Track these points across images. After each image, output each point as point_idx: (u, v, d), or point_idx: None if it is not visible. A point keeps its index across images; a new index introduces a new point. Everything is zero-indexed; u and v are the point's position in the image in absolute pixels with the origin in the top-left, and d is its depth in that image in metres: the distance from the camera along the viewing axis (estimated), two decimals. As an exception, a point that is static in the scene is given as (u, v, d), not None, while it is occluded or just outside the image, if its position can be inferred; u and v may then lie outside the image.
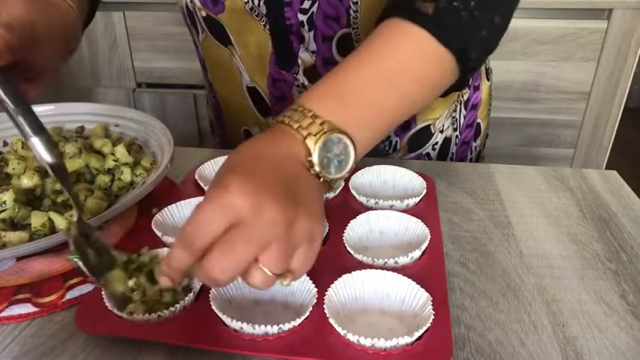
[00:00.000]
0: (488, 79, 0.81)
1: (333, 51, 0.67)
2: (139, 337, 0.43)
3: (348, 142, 0.42)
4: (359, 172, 0.64)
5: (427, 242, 0.51)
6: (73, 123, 0.72)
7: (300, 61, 0.69)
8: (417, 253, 0.50)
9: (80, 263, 0.42)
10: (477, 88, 0.78)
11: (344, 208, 0.59)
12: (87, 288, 0.49)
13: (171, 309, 0.44)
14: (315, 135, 0.40)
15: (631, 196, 0.66)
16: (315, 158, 0.40)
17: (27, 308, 0.47)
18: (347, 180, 0.62)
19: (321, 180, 0.41)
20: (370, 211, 0.56)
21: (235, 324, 0.42)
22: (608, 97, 1.62)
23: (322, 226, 0.40)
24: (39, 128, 0.43)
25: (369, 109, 0.44)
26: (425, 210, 0.59)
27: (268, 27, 0.66)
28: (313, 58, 0.68)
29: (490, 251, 0.55)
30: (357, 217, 0.55)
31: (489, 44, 0.51)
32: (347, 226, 0.53)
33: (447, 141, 0.78)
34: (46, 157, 0.43)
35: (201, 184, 0.62)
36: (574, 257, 0.55)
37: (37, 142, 0.43)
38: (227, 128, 0.84)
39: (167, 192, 0.63)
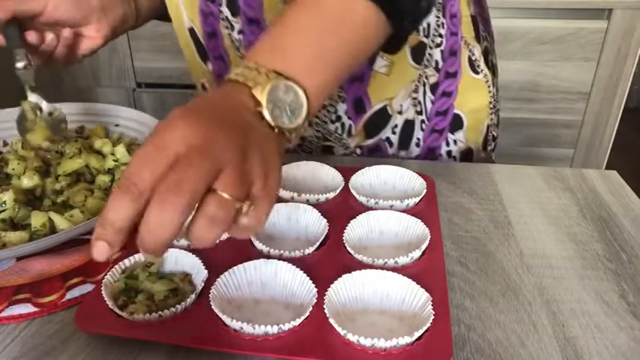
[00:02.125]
0: (475, 72, 0.77)
1: None
2: (139, 337, 0.43)
3: (298, 88, 0.41)
4: (359, 172, 0.64)
5: (427, 242, 0.51)
6: (73, 123, 0.72)
7: None
8: (417, 253, 0.50)
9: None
10: (450, 75, 0.75)
11: (344, 208, 0.59)
12: (87, 288, 0.49)
13: (172, 309, 0.44)
14: (261, 85, 0.40)
15: (631, 196, 0.66)
16: (264, 108, 0.39)
17: (27, 308, 0.47)
18: (347, 180, 0.62)
19: (277, 131, 0.40)
20: (370, 211, 0.56)
21: (235, 324, 0.42)
22: (608, 97, 1.62)
23: (278, 176, 0.39)
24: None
25: (313, 56, 0.44)
26: (425, 210, 0.59)
27: None
28: None
29: (490, 251, 0.55)
30: (357, 217, 0.55)
31: (419, 8, 0.51)
32: (347, 226, 0.54)
33: (409, 124, 0.76)
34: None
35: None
36: (574, 257, 0.55)
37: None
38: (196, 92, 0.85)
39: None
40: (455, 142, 0.80)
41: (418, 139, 0.78)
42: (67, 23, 0.63)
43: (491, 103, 0.80)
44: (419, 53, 0.71)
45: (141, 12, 0.72)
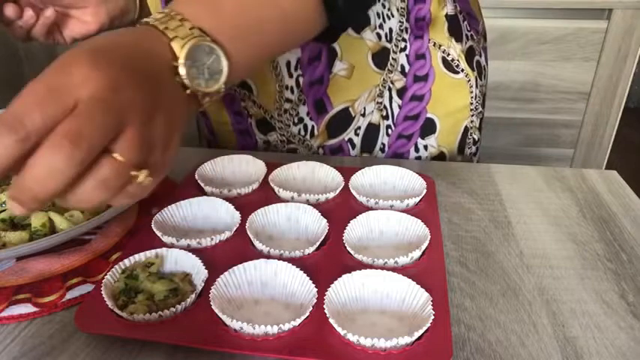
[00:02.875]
0: (454, 72, 0.74)
1: None
2: (139, 337, 0.43)
3: (221, 53, 0.38)
4: (359, 172, 0.64)
5: (427, 242, 0.51)
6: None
7: None
8: (417, 253, 0.50)
9: None
10: (420, 79, 0.73)
11: (344, 208, 0.59)
12: (87, 288, 0.49)
13: (172, 309, 0.44)
14: (182, 39, 0.36)
15: (631, 196, 0.66)
16: (181, 65, 0.36)
17: (27, 308, 0.47)
18: (347, 180, 0.62)
19: (188, 92, 0.37)
20: (370, 211, 0.56)
21: (235, 324, 0.42)
22: (608, 97, 1.62)
23: (178, 145, 0.37)
24: None
25: (246, 22, 0.41)
26: (425, 210, 0.59)
27: None
28: None
29: (490, 251, 0.55)
30: (357, 217, 0.55)
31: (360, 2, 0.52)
32: (347, 226, 0.54)
33: (373, 127, 0.75)
34: None
35: (201, 184, 0.62)
36: (574, 257, 0.55)
37: None
38: None
39: (167, 192, 0.63)
40: (425, 147, 0.78)
41: (383, 144, 0.77)
42: (60, 1, 0.61)
43: (472, 104, 0.78)
44: (381, 58, 0.71)
45: (145, 8, 0.70)
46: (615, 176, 0.70)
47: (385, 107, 0.74)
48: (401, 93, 0.74)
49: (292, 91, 0.71)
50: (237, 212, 0.56)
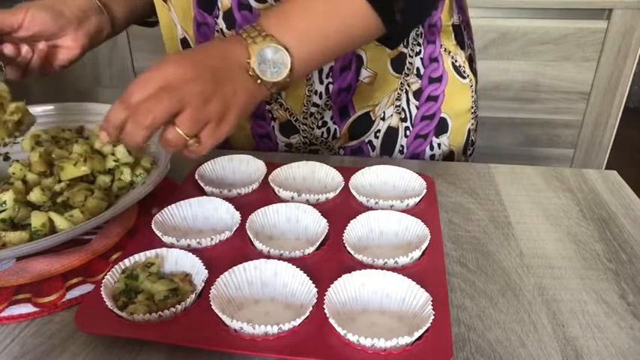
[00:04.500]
0: (462, 76, 0.79)
1: None
2: (139, 337, 0.43)
3: (285, 53, 0.51)
4: (359, 172, 0.64)
5: (427, 242, 0.51)
6: (73, 123, 0.72)
7: (219, 4, 0.69)
8: (417, 253, 0.50)
9: None
10: (435, 80, 0.76)
11: (344, 208, 0.59)
12: (87, 288, 0.49)
13: (172, 309, 0.44)
14: (257, 43, 0.50)
15: (631, 196, 0.66)
16: (252, 60, 0.50)
17: (27, 308, 0.47)
18: (347, 180, 0.62)
19: (259, 82, 0.51)
20: (370, 211, 0.56)
21: (235, 324, 0.42)
22: (608, 97, 1.62)
23: (236, 117, 0.50)
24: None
25: (311, 30, 0.54)
26: (425, 210, 0.59)
27: None
28: (230, 1, 0.68)
29: (490, 251, 0.55)
30: (357, 217, 0.55)
31: (416, 15, 0.60)
32: (347, 226, 0.54)
33: (392, 131, 0.78)
34: None
35: (201, 184, 0.62)
36: (574, 257, 0.55)
37: None
38: None
39: (167, 192, 0.63)
40: (439, 145, 0.81)
41: (402, 146, 0.79)
42: (43, 36, 0.65)
43: (472, 107, 0.82)
44: (399, 63, 0.74)
45: (116, 20, 0.73)
46: (615, 176, 0.70)
47: (403, 110, 0.77)
48: (417, 95, 0.77)
49: (320, 97, 0.74)
50: (237, 212, 0.56)
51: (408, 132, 0.78)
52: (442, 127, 0.80)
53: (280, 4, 0.54)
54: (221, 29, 0.70)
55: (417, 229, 0.54)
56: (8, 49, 0.63)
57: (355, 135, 0.78)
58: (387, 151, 0.79)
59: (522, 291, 0.50)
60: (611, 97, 1.61)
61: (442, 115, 0.79)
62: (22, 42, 0.65)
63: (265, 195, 0.61)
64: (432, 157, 0.81)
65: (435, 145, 0.80)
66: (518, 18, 1.57)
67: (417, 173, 0.64)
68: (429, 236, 0.52)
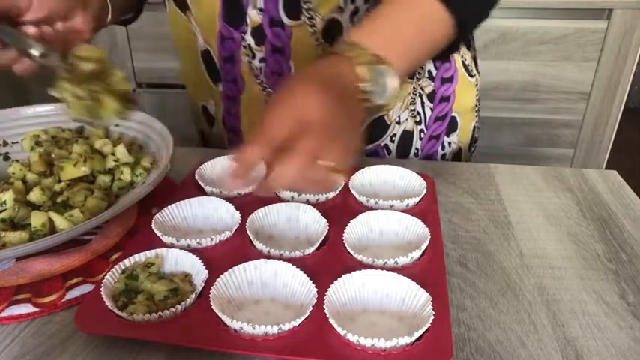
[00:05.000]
0: (470, 75, 0.80)
1: (279, 10, 0.67)
2: (139, 337, 0.43)
3: (392, 72, 0.50)
4: (359, 172, 0.64)
5: (427, 242, 0.51)
6: (74, 123, 0.72)
7: (248, 20, 0.69)
8: (417, 253, 0.50)
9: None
10: (447, 80, 0.78)
11: (344, 208, 0.59)
12: (87, 288, 0.49)
13: (172, 309, 0.44)
14: (365, 64, 0.49)
15: (631, 196, 0.66)
16: (364, 83, 0.49)
17: (27, 308, 0.47)
18: (347, 180, 0.62)
19: (368, 104, 0.50)
20: (370, 211, 0.56)
21: (235, 324, 0.42)
22: (608, 97, 1.62)
23: (358, 143, 0.47)
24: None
25: (405, 47, 0.53)
26: (425, 210, 0.59)
27: None
28: (260, 17, 0.68)
29: (490, 251, 0.55)
30: (357, 217, 0.55)
31: (482, 14, 0.59)
32: (347, 226, 0.53)
33: (407, 134, 0.78)
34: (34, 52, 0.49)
35: (201, 184, 0.62)
36: (574, 257, 0.55)
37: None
38: (194, 112, 0.86)
39: (167, 192, 0.63)
40: (449, 144, 0.82)
41: (417, 149, 0.80)
42: (53, 17, 0.60)
43: (476, 105, 0.84)
44: None
45: (114, 7, 0.70)
46: (615, 176, 0.70)
47: (418, 113, 0.78)
48: (431, 97, 0.78)
49: None
50: (237, 212, 0.56)
51: (422, 134, 0.79)
52: (452, 126, 0.81)
53: (371, 19, 0.53)
54: (248, 45, 0.71)
55: (417, 229, 0.54)
56: (32, 30, 0.58)
57: (371, 139, 0.78)
58: (403, 155, 0.80)
59: (522, 291, 0.50)
60: (611, 97, 1.61)
61: (453, 114, 0.80)
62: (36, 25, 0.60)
63: (265, 195, 0.61)
64: (443, 156, 0.82)
65: (446, 145, 0.81)
66: (518, 18, 1.57)
67: (417, 173, 0.64)
68: (429, 236, 0.52)
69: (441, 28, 0.55)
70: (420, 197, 0.60)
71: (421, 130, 0.79)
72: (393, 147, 0.79)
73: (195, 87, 0.82)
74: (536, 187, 0.68)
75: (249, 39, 0.70)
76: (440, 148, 0.81)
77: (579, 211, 0.62)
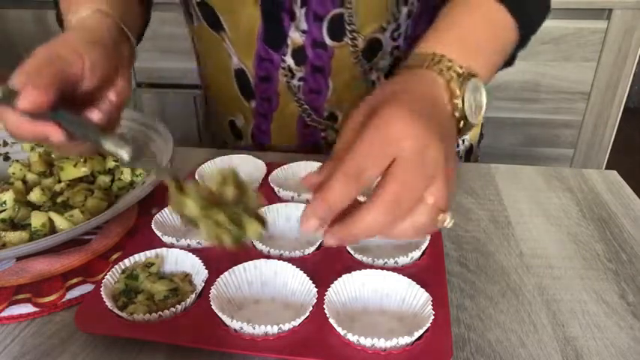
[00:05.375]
0: None
1: (323, 32, 0.67)
2: (139, 337, 0.43)
3: (482, 86, 0.43)
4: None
5: (427, 242, 0.51)
6: (73, 123, 0.72)
7: (289, 42, 0.69)
8: (417, 253, 0.50)
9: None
10: None
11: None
12: (87, 288, 0.49)
13: (172, 309, 0.44)
14: (458, 78, 0.41)
15: (631, 196, 0.66)
16: (460, 101, 0.40)
17: (27, 308, 0.47)
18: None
19: (461, 125, 0.42)
20: (370, 211, 0.55)
21: (235, 324, 0.42)
22: (608, 97, 1.62)
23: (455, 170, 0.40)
24: (102, 132, 0.41)
25: (489, 55, 0.47)
26: (425, 210, 0.59)
27: (260, 1, 0.66)
28: (302, 39, 0.68)
29: (490, 251, 0.55)
30: (357, 217, 0.55)
31: (543, 16, 0.56)
32: (347, 226, 0.53)
33: None
34: (123, 154, 0.40)
35: (201, 184, 0.62)
36: (574, 257, 0.55)
37: (108, 143, 0.40)
38: (215, 123, 0.85)
39: (167, 192, 0.63)
40: (463, 141, 0.82)
41: None
42: (103, 80, 0.47)
43: None
44: None
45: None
46: (615, 176, 0.70)
47: None
48: None
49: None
50: (237, 212, 0.56)
51: None
52: None
53: (438, 32, 0.46)
54: (288, 66, 0.70)
55: (417, 229, 0.54)
56: (96, 115, 0.46)
57: None
58: None
59: (522, 291, 0.50)
60: (611, 97, 1.61)
61: None
62: (89, 99, 0.47)
63: (265, 195, 0.61)
64: (457, 153, 0.82)
65: (460, 142, 0.81)
66: (518, 18, 1.56)
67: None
68: (429, 236, 0.52)
69: (509, 33, 0.51)
70: (420, 197, 0.60)
71: None
72: None
73: (224, 103, 0.81)
74: (536, 187, 0.68)
75: (289, 60, 0.70)
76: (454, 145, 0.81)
77: (579, 211, 0.62)
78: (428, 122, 0.36)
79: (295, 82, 0.72)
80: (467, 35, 0.46)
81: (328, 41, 0.68)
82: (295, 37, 0.68)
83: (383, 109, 0.36)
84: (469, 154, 0.84)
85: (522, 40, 0.53)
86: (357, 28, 0.67)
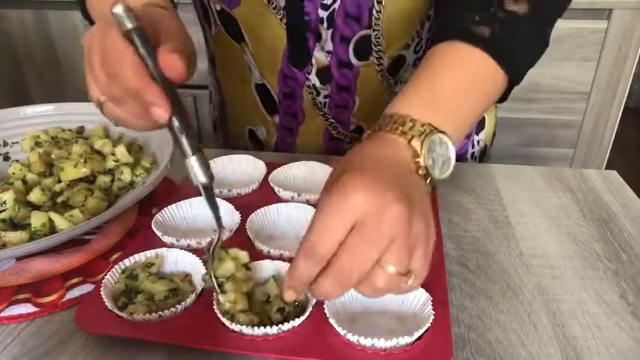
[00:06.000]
0: None
1: (349, 53, 0.67)
2: (139, 337, 0.43)
3: (448, 141, 0.43)
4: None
5: (427, 242, 0.51)
6: (73, 123, 0.72)
7: (314, 61, 0.69)
8: (417, 253, 0.50)
9: (216, 286, 0.42)
10: None
11: (344, 208, 0.58)
12: (87, 288, 0.49)
13: (172, 309, 0.44)
14: (419, 136, 0.41)
15: (631, 196, 0.66)
16: (422, 159, 0.41)
17: (27, 308, 0.47)
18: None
19: (428, 182, 0.42)
20: (370, 211, 0.55)
21: (235, 325, 0.41)
22: (608, 97, 1.62)
23: (434, 230, 0.39)
24: (197, 149, 0.41)
25: (457, 111, 0.46)
26: (425, 210, 0.59)
27: (285, 21, 0.66)
28: (328, 59, 0.68)
29: (490, 251, 0.55)
30: (357, 217, 0.55)
31: (533, 62, 0.53)
32: (347, 226, 0.53)
33: None
34: (200, 177, 0.41)
35: (201, 184, 0.62)
36: (574, 257, 0.55)
37: (194, 161, 0.40)
38: (230, 127, 0.84)
39: (167, 192, 0.63)
40: (478, 142, 0.82)
41: None
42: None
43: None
44: None
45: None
46: (615, 176, 0.70)
47: None
48: None
49: None
50: (237, 212, 0.56)
51: None
52: (481, 124, 0.81)
53: (414, 85, 0.46)
54: (313, 84, 0.70)
55: (417, 229, 0.54)
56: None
57: None
58: None
59: (522, 291, 0.50)
60: (611, 97, 1.61)
61: None
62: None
63: (265, 195, 0.61)
64: (472, 154, 0.82)
65: (475, 143, 0.81)
66: (518, 18, 1.56)
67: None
68: (429, 236, 0.52)
69: (494, 83, 0.49)
70: (420, 197, 0.60)
71: None
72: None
73: (242, 110, 0.80)
74: (536, 187, 0.68)
75: (313, 79, 0.70)
76: (470, 147, 0.81)
77: (579, 211, 0.62)
78: (388, 185, 0.36)
79: (321, 99, 0.72)
80: (437, 93, 0.46)
81: (354, 61, 0.68)
82: (320, 57, 0.68)
83: (342, 178, 0.37)
84: (483, 155, 0.84)
85: (513, 83, 0.51)
86: (383, 48, 0.67)
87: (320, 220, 0.36)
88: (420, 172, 0.41)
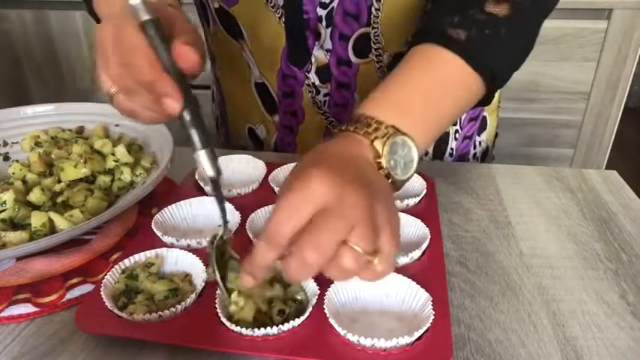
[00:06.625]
0: None
1: (348, 51, 0.67)
2: (139, 337, 0.43)
3: (412, 143, 0.44)
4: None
5: (427, 242, 0.51)
6: (73, 123, 0.72)
7: (313, 59, 0.68)
8: (417, 253, 0.50)
9: (218, 279, 0.42)
10: None
11: (344, 208, 0.58)
12: (87, 288, 0.49)
13: (172, 309, 0.44)
14: (381, 138, 0.42)
15: (631, 196, 0.66)
16: (383, 159, 0.42)
17: (27, 308, 0.47)
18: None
19: (390, 181, 0.43)
20: (370, 211, 0.55)
21: (235, 326, 0.41)
22: (608, 97, 1.62)
23: (399, 220, 0.40)
24: (206, 143, 0.41)
25: (428, 116, 0.47)
26: (425, 210, 0.59)
27: (284, 20, 0.66)
28: (327, 57, 0.68)
29: (490, 251, 0.55)
30: (357, 217, 0.55)
31: (516, 66, 0.53)
32: (347, 226, 0.53)
33: (444, 135, 0.77)
34: (208, 171, 0.42)
35: (201, 184, 0.62)
36: (574, 257, 0.55)
37: (202, 155, 0.41)
38: (231, 125, 0.84)
39: (167, 192, 0.63)
40: (480, 143, 0.82)
41: (452, 149, 0.79)
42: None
43: (499, 100, 0.84)
44: None
45: None
46: (615, 176, 0.70)
47: None
48: None
49: None
50: (237, 212, 0.56)
51: (457, 135, 0.78)
52: (483, 125, 0.81)
53: (383, 88, 0.47)
54: (312, 83, 0.70)
55: (416, 228, 0.54)
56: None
57: None
58: (439, 155, 0.79)
59: (522, 291, 0.50)
60: (611, 97, 1.61)
61: (484, 113, 0.80)
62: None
63: (265, 195, 0.61)
64: (474, 155, 0.82)
65: (477, 144, 0.81)
66: (518, 18, 1.56)
67: (417, 173, 0.63)
68: (429, 236, 0.52)
69: (466, 88, 0.49)
70: (420, 197, 0.60)
71: (456, 131, 0.78)
72: (430, 148, 0.78)
73: (242, 109, 0.79)
74: (536, 187, 0.68)
75: (313, 77, 0.70)
76: (472, 148, 0.81)
77: (579, 211, 0.62)
78: (350, 176, 0.38)
79: (320, 97, 0.72)
80: (405, 97, 0.46)
81: (354, 59, 0.68)
82: (320, 55, 0.68)
83: (304, 168, 0.38)
84: (485, 156, 0.84)
85: (492, 89, 0.51)
86: (382, 45, 0.67)
87: (281, 206, 0.37)
88: (382, 172, 0.42)
